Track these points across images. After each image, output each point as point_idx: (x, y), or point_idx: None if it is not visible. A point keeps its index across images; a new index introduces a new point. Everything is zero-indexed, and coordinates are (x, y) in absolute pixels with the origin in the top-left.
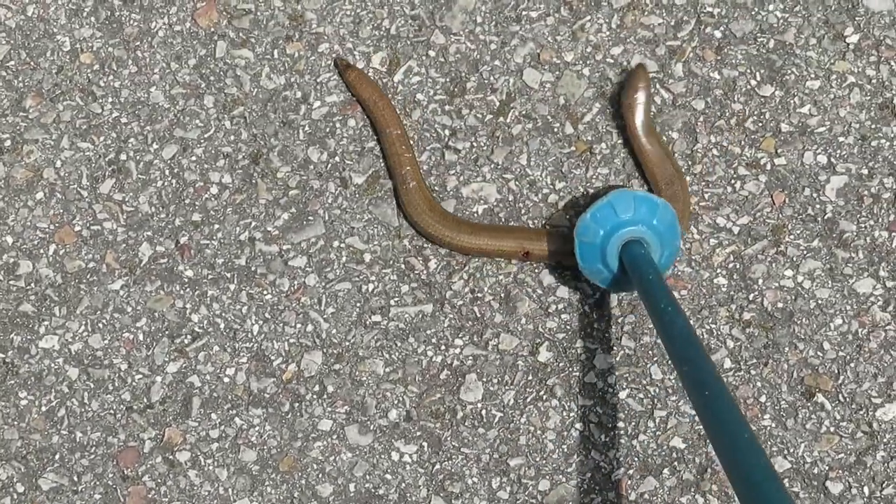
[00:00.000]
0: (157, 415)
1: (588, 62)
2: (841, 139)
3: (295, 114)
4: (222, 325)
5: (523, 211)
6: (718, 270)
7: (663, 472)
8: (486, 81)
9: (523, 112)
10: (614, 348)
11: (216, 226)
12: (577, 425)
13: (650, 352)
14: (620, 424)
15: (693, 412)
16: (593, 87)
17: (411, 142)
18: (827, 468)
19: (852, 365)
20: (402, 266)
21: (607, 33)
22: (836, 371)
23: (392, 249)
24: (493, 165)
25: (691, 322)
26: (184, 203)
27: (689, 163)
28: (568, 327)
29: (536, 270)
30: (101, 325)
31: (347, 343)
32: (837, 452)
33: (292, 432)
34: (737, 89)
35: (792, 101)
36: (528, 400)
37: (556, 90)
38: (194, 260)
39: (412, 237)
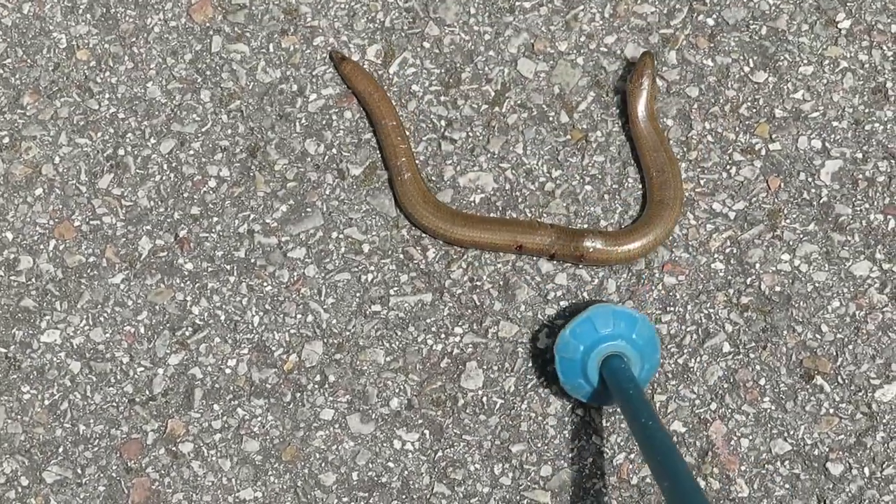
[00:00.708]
0: (160, 407)
1: (582, 51)
2: (835, 124)
3: (291, 107)
4: (223, 317)
5: (520, 199)
6: (715, 255)
7: None
8: (480, 72)
9: (518, 102)
10: None
11: (215, 219)
12: (578, 411)
13: None
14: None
15: (693, 396)
16: (587, 76)
17: (407, 133)
18: (827, 449)
19: (850, 347)
20: (401, 256)
21: (600, 22)
22: (835, 353)
23: (390, 239)
24: (489, 155)
25: (690, 308)
26: (182, 197)
27: (685, 149)
28: (567, 314)
29: (535, 258)
30: (102, 318)
31: (348, 333)
32: (837, 434)
33: (294, 422)
34: (730, 76)
35: (785, 87)
36: (529, 386)
37: (550, 80)
38: (194, 253)
39: (410, 227)
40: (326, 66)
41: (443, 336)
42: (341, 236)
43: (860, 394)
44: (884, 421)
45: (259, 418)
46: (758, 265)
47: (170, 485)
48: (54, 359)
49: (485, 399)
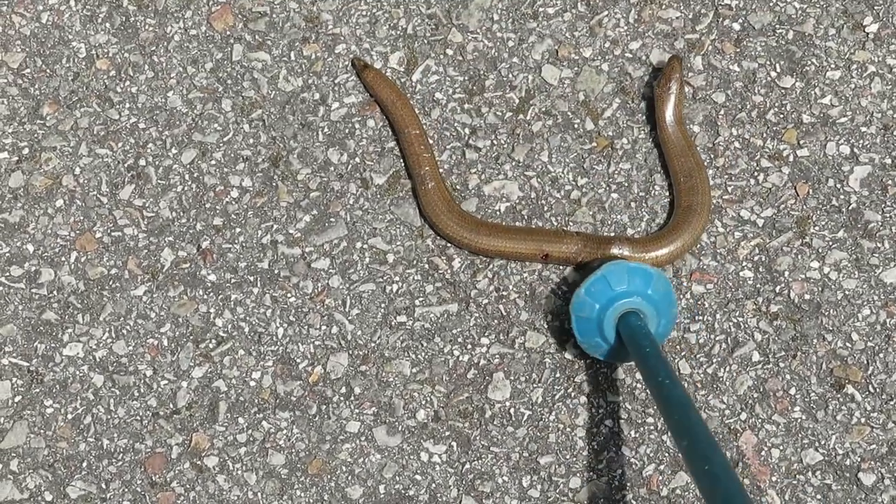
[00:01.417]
0: (184, 420)
1: (607, 57)
2: (863, 129)
3: (314, 115)
4: (247, 329)
5: (546, 208)
6: (744, 263)
7: None
8: (504, 79)
9: (543, 109)
10: None
11: (238, 229)
12: (607, 422)
13: (678, 347)
14: (650, 420)
15: (722, 406)
16: (613, 82)
17: (430, 141)
18: (859, 459)
19: (881, 355)
20: (426, 266)
21: (625, 28)
22: (866, 362)
23: (415, 249)
24: (514, 163)
25: (719, 317)
26: (204, 207)
27: (712, 156)
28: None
29: (561, 268)
30: (125, 331)
31: (373, 344)
32: (869, 443)
33: (320, 435)
34: (757, 81)
35: (813, 92)
36: (557, 397)
37: (575, 86)
38: (217, 264)
39: (435, 237)
40: (349, 73)
41: (469, 347)
42: (365, 246)
43: (892, 402)
44: None
45: (284, 431)
46: (787, 273)
47: (195, 499)
48: (77, 372)
49: (512, 410)
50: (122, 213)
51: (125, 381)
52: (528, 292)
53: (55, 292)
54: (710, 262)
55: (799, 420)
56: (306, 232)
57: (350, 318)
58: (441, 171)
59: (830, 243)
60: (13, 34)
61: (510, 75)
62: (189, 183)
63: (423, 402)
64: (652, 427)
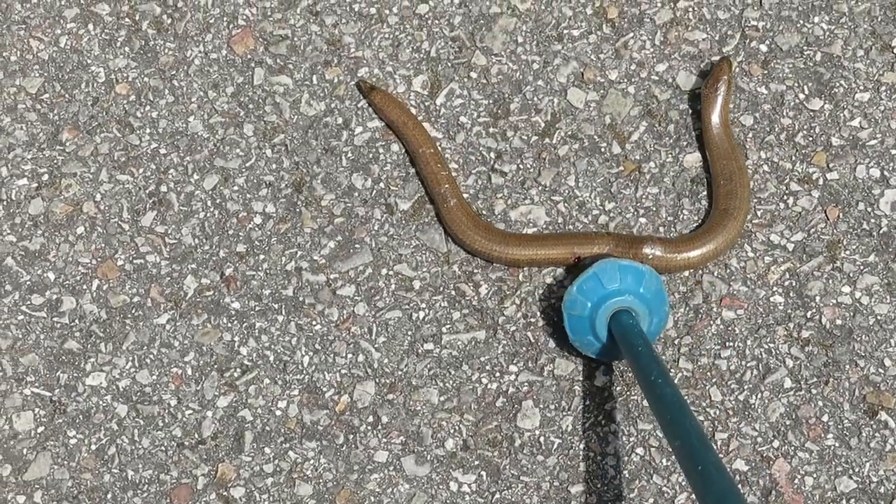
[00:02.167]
0: (210, 450)
1: (633, 80)
2: (893, 152)
3: (337, 140)
4: (272, 358)
5: None
6: (774, 288)
7: None
8: (529, 102)
9: (569, 132)
10: (671, 370)
11: (261, 256)
12: (638, 450)
13: (708, 374)
14: None
15: (754, 433)
16: (639, 105)
17: (450, 161)
18: (894, 487)
19: None
20: (453, 292)
21: (651, 50)
22: None
23: (442, 276)
24: (540, 188)
25: (749, 343)
26: (227, 234)
27: None
28: None
29: None
30: (148, 360)
31: (400, 372)
32: None
33: (348, 465)
34: (785, 104)
35: (842, 115)
36: (587, 425)
37: (601, 109)
38: (240, 291)
39: (461, 262)
40: None
41: (497, 374)
42: (391, 273)
43: None
44: None
45: (311, 461)
46: (818, 298)
47: None
48: (100, 402)
49: (542, 439)
50: (144, 239)
51: (149, 410)
52: (556, 318)
53: (77, 321)
54: (741, 287)
55: (832, 447)
56: (331, 258)
57: (376, 345)
58: (466, 195)
59: (861, 267)
60: (31, 59)
61: (535, 98)
62: (211, 209)
63: (452, 431)
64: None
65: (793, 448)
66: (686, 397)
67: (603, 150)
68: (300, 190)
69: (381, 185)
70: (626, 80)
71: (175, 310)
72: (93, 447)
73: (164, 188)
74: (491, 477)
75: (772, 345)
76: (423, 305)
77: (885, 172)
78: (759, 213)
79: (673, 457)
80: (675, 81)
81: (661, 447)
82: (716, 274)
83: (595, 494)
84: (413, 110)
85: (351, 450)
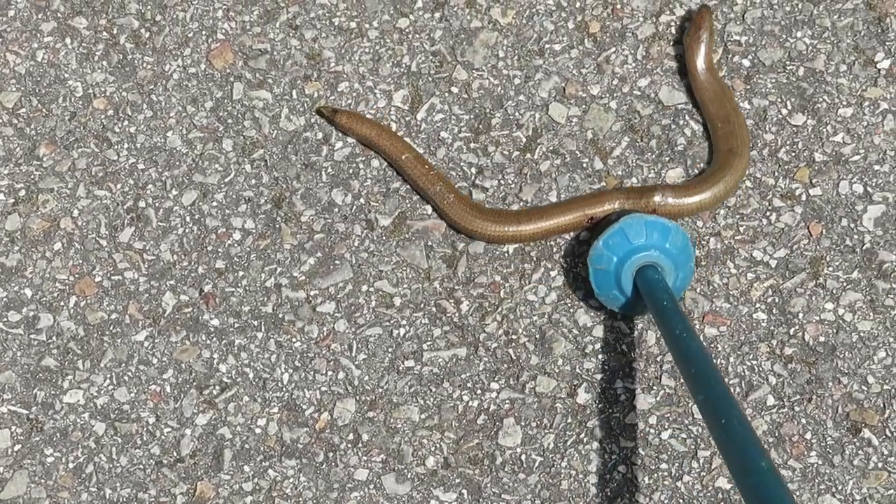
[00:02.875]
0: (188, 469)
1: (615, 95)
2: (876, 167)
3: (317, 155)
4: (251, 375)
5: (555, 249)
6: (757, 305)
7: None
8: (511, 117)
9: (551, 147)
10: (654, 388)
11: (241, 273)
12: (620, 468)
13: None
14: (664, 466)
15: None
16: (621, 120)
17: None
18: None
19: None
20: (434, 309)
21: (633, 65)
22: (882, 405)
23: (422, 292)
24: (522, 203)
25: (732, 360)
26: (206, 250)
27: None
28: (606, 367)
29: (572, 310)
30: (126, 377)
31: (381, 390)
32: (887, 488)
33: (328, 483)
34: (768, 119)
35: (825, 130)
36: (569, 443)
37: (583, 124)
38: (220, 308)
39: (442, 279)
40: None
41: (479, 392)
42: (371, 289)
43: None
44: None
45: (291, 479)
46: (801, 315)
47: None
48: (78, 420)
49: (523, 457)
50: (122, 256)
51: (127, 428)
52: (537, 336)
53: (54, 338)
54: (723, 304)
55: (815, 465)
56: (311, 275)
57: (357, 363)
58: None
59: (845, 284)
60: (7, 73)
61: (517, 113)
62: (190, 225)
63: (433, 449)
64: (666, 473)
65: (776, 466)
66: (668, 415)
67: (585, 165)
68: (280, 206)
69: (362, 200)
70: (608, 95)
71: (153, 327)
72: (70, 465)
73: (142, 204)
74: (472, 495)
75: (755, 362)
76: (404, 322)
77: (868, 188)
78: (741, 229)
79: (655, 475)
80: (658, 96)
81: (643, 465)
82: (698, 291)
83: None
84: (393, 125)
85: (331, 468)
